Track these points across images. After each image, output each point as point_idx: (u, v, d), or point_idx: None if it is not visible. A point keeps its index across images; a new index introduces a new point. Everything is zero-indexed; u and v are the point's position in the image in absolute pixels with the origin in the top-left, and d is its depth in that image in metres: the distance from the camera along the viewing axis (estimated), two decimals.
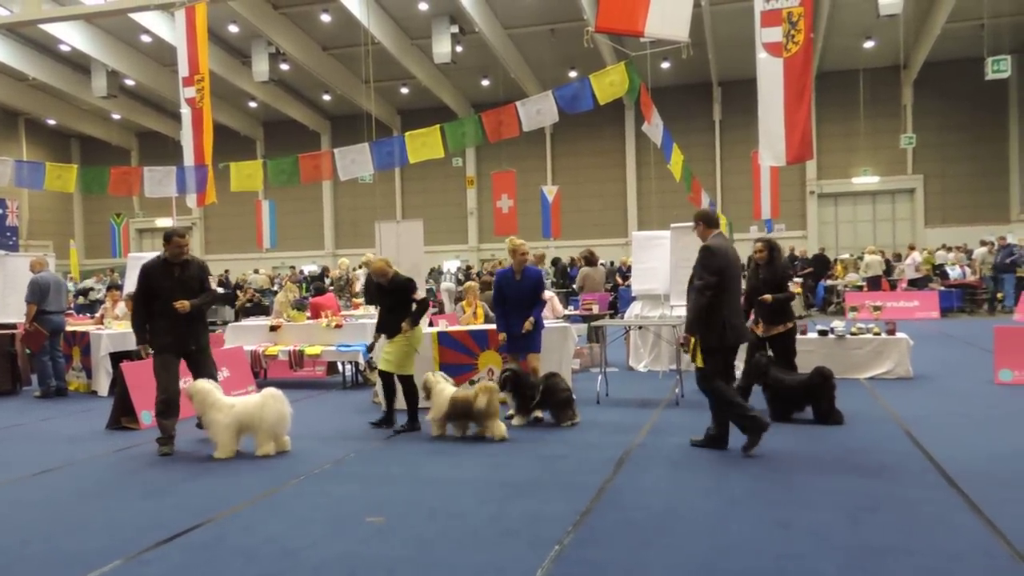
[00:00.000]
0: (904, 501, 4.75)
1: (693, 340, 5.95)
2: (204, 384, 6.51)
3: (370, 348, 8.23)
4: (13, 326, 10.77)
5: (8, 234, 22.85)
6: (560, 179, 32.15)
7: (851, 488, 5.05)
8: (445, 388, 7.12)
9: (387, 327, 7.53)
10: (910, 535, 4.18)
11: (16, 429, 8.14)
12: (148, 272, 6.70)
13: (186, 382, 6.83)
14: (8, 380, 10.56)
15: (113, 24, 26.55)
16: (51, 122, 36.39)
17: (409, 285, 7.56)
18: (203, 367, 6.84)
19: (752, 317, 7.82)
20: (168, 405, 6.67)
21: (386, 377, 7.52)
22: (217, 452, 6.40)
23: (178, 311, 6.54)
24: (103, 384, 10.05)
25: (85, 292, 24.27)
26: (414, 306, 7.47)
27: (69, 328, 10.86)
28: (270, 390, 6.64)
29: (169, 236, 6.74)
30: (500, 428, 6.85)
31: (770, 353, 7.68)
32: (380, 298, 7.68)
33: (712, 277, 5.90)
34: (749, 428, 5.95)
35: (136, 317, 6.79)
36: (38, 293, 9.99)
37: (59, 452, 6.85)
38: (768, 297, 7.60)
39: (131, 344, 9.94)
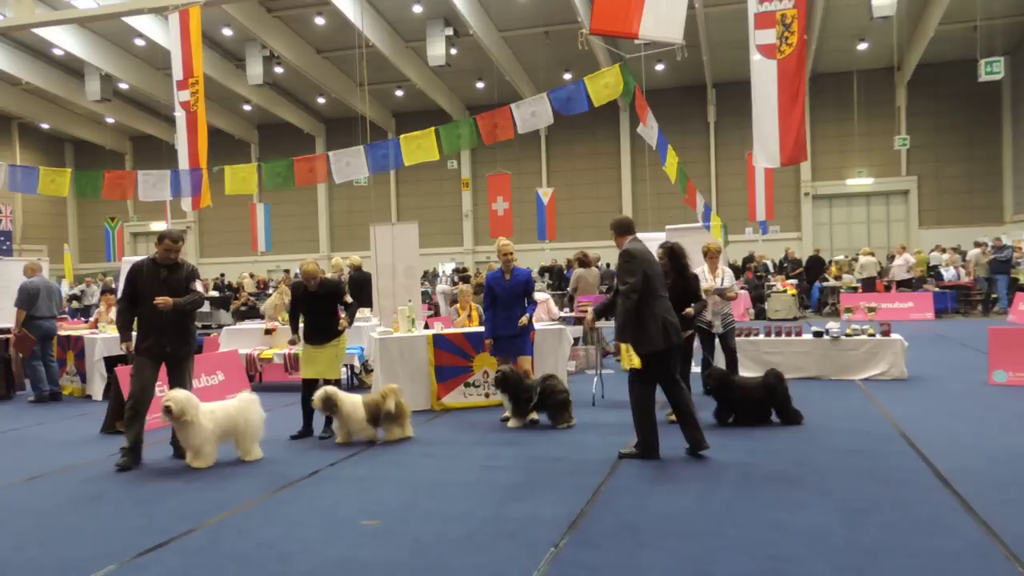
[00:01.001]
0: (899, 502, 4.76)
1: (624, 347, 5.87)
2: (184, 392, 6.17)
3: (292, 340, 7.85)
4: (6, 331, 10.74)
5: (2, 239, 22.80)
6: (555, 181, 32.18)
7: (846, 490, 5.05)
8: (349, 396, 7.01)
9: (317, 333, 7.39)
10: (905, 536, 4.19)
11: (10, 434, 8.10)
12: (136, 272, 6.54)
13: (162, 390, 6.59)
14: (2, 385, 10.52)
15: (106, 28, 26.47)
16: (45, 126, 36.28)
17: (340, 288, 7.55)
18: (180, 377, 6.55)
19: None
20: (136, 412, 6.38)
21: (313, 386, 7.33)
22: (199, 462, 6.17)
23: (160, 310, 6.30)
24: (97, 388, 10.02)
25: (78, 297, 24.21)
26: (342, 310, 7.47)
27: (63, 332, 10.83)
28: (246, 394, 6.55)
29: (161, 237, 6.56)
30: (408, 429, 7.11)
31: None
32: (306, 304, 7.44)
33: (634, 279, 5.87)
34: (643, 447, 5.99)
35: (121, 316, 6.62)
36: (27, 299, 9.96)
37: (53, 457, 6.82)
38: (690, 310, 7.25)
39: None
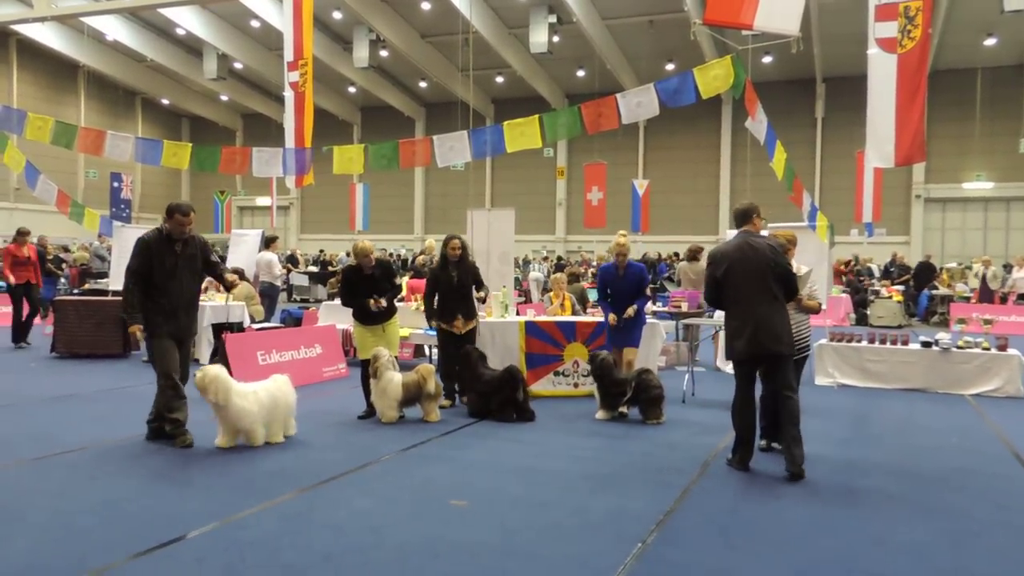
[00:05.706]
0: (1010, 527, 4.50)
1: None
2: (220, 369, 5.93)
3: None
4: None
5: (123, 206, 24.23)
6: (651, 173, 31.67)
7: (953, 509, 4.81)
8: (392, 374, 7.01)
9: (373, 315, 7.29)
10: (1018, 565, 3.95)
11: (127, 390, 8.62)
12: (149, 245, 6.05)
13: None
14: (119, 344, 11.20)
15: (225, 9, 27.70)
16: (165, 102, 38.30)
17: (393, 269, 7.64)
18: (186, 357, 6.31)
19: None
20: (177, 390, 6.16)
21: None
22: (253, 439, 6.03)
23: (173, 294, 6.08)
24: (205, 353, 10.51)
25: None
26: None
27: None
28: (278, 375, 6.42)
29: (172, 211, 6.08)
30: (436, 412, 7.20)
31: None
32: (363, 286, 7.28)
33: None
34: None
35: (133, 294, 6.02)
36: None
37: None
38: (481, 294, 7.86)
39: (233, 316, 10.42)
